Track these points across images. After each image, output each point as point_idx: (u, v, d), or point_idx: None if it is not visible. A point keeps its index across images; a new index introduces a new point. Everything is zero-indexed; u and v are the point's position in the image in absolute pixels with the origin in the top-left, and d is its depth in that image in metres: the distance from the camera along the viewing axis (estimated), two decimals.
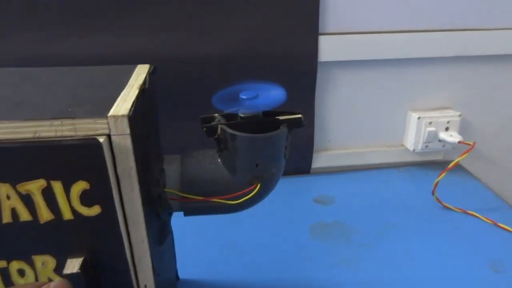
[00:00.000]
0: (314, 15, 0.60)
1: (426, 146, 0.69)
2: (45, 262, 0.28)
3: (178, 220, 0.39)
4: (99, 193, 0.26)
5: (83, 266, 0.27)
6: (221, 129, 0.32)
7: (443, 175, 0.57)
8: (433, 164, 0.73)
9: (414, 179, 0.69)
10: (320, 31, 0.61)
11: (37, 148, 0.24)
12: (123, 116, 0.25)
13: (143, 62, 0.36)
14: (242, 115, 0.32)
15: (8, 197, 0.25)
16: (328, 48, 0.62)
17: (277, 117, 0.32)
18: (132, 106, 0.26)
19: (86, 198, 0.26)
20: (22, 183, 0.25)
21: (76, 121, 0.24)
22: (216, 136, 0.33)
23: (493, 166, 0.77)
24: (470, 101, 0.70)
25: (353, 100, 0.68)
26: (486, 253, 0.51)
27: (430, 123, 0.67)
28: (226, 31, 0.58)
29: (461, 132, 0.68)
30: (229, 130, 0.31)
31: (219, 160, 0.34)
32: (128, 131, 0.25)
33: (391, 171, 0.72)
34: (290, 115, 0.33)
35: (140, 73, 0.33)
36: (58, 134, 0.24)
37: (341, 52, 0.63)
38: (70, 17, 0.56)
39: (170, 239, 0.42)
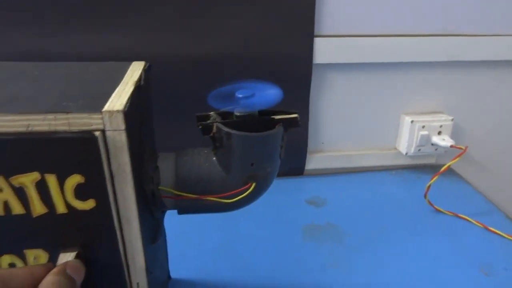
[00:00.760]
0: (310, 17, 0.60)
1: (419, 150, 0.69)
2: (37, 257, 0.28)
3: (170, 219, 0.39)
4: (94, 186, 0.26)
5: None
6: (217, 127, 0.32)
7: (435, 178, 0.58)
8: (425, 167, 0.74)
9: (406, 182, 0.70)
10: (316, 33, 0.61)
11: (32, 141, 0.24)
12: (118, 111, 0.24)
13: (138, 60, 0.36)
14: (237, 114, 0.32)
15: (1, 190, 0.25)
16: (323, 50, 0.62)
17: (272, 117, 0.32)
18: (127, 102, 0.26)
19: (81, 192, 0.26)
20: (16, 176, 0.25)
21: (70, 115, 0.24)
22: (211, 134, 0.33)
23: (484, 170, 0.78)
24: (462, 106, 0.71)
25: (347, 102, 0.68)
26: (477, 257, 0.52)
27: (423, 126, 0.67)
28: (221, 31, 0.58)
29: (453, 136, 0.68)
30: (225, 129, 0.31)
31: (214, 158, 0.34)
32: (123, 126, 0.25)
33: (384, 174, 0.72)
34: (286, 114, 0.33)
35: (135, 69, 0.33)
36: (52, 128, 0.24)
37: (336, 55, 0.63)
38: (64, 15, 0.55)
39: (163, 237, 0.41)
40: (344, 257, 0.52)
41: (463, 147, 0.60)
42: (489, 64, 0.68)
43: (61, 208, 0.26)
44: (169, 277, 0.46)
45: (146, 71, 0.33)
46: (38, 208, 0.26)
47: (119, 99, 0.26)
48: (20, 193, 0.25)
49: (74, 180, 0.25)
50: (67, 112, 0.24)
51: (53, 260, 0.28)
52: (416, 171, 0.73)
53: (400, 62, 0.66)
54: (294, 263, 0.51)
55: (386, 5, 0.62)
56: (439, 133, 0.68)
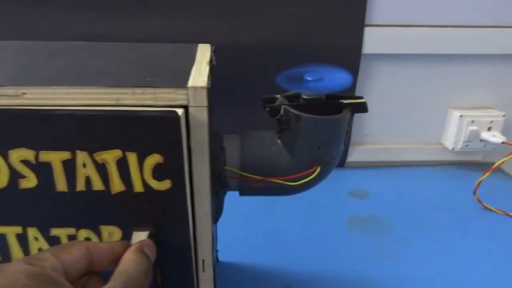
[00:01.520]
0: (361, 5, 0.59)
1: (467, 146, 0.67)
2: (111, 233, 0.28)
3: None
4: (172, 167, 0.26)
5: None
6: (285, 109, 0.32)
7: (487, 174, 0.56)
8: (471, 164, 0.72)
9: (452, 179, 0.68)
10: (366, 22, 0.60)
11: (117, 117, 0.24)
12: (202, 87, 0.25)
13: None
14: (305, 97, 0.32)
15: (84, 165, 0.25)
16: (372, 40, 0.61)
17: (341, 101, 0.32)
18: (208, 79, 0.26)
19: (159, 172, 0.26)
20: (99, 152, 0.25)
21: (157, 90, 0.24)
22: (278, 116, 0.33)
23: None
24: None
25: (392, 94, 0.67)
26: None
27: (473, 122, 0.65)
28: (270, 19, 0.58)
29: (504, 133, 0.66)
30: (294, 111, 0.31)
31: (278, 141, 0.34)
32: (206, 103, 0.25)
33: (427, 169, 0.71)
34: (353, 99, 0.33)
35: (204, 51, 0.33)
36: (139, 102, 0.24)
37: (384, 45, 0.62)
38: (116, 1, 0.56)
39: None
40: (390, 250, 0.51)
41: None
42: None
43: (138, 187, 0.26)
44: (217, 259, 0.47)
45: (214, 52, 0.34)
46: (117, 185, 0.26)
47: (199, 76, 0.26)
48: (101, 169, 0.26)
49: (154, 159, 0.26)
50: (155, 87, 0.24)
51: (125, 238, 0.28)
52: (462, 168, 0.71)
53: (451, 54, 0.64)
54: (339, 253, 0.50)
55: None
56: (489, 129, 0.66)
